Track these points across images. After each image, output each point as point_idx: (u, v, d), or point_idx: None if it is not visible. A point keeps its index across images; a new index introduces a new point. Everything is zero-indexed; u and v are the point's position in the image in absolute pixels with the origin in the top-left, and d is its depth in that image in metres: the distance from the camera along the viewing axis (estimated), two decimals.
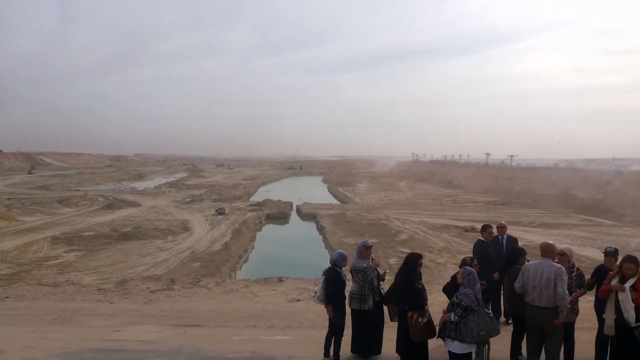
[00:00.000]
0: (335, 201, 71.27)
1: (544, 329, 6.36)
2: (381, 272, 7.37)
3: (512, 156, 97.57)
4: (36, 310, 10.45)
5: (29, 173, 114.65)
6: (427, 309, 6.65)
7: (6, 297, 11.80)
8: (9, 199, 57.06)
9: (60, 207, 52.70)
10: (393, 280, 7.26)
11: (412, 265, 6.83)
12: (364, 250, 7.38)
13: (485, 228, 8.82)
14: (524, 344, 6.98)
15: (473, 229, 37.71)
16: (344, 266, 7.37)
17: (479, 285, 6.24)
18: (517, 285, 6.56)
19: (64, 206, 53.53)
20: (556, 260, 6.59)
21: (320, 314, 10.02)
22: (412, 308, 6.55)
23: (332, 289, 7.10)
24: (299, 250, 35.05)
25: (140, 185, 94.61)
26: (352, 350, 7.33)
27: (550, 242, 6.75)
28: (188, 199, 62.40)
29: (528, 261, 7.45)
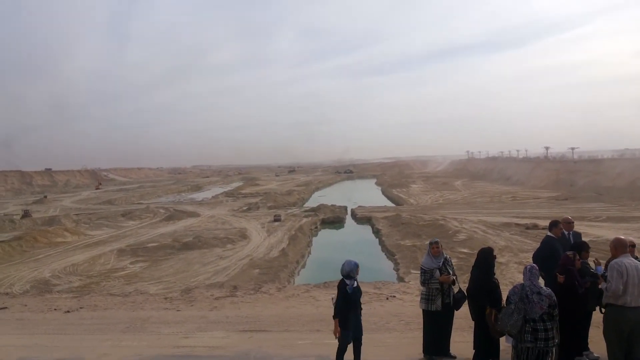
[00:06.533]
0: (389, 203, 70.75)
1: (638, 329, 5.87)
2: (447, 281, 7.09)
3: (573, 149, 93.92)
4: (109, 319, 10.92)
5: (96, 188, 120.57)
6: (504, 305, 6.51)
7: (81, 308, 12.40)
8: (77, 214, 60.15)
9: (125, 221, 54.98)
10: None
11: (489, 260, 6.69)
12: (431, 248, 7.27)
13: (556, 224, 8.38)
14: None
15: (535, 227, 36.47)
16: (357, 275, 6.86)
17: (528, 282, 6.02)
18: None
19: (128, 219, 55.80)
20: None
21: (383, 317, 9.97)
22: (490, 305, 6.42)
23: (338, 302, 6.74)
24: (356, 254, 34.72)
25: (199, 195, 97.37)
26: (423, 351, 7.26)
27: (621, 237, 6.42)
28: (245, 208, 63.65)
29: (593, 259, 7.15)
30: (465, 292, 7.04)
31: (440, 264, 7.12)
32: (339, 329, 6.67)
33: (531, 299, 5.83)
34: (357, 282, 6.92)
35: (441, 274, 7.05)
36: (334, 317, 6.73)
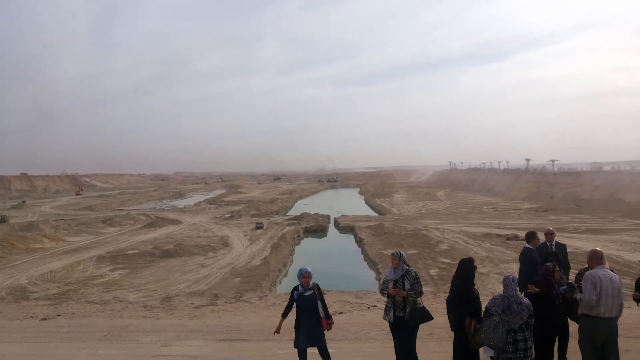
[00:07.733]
0: (372, 213, 70.96)
1: (612, 339, 5.99)
2: (395, 294, 7.01)
3: (553, 161, 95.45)
4: (87, 327, 10.74)
5: (77, 194, 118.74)
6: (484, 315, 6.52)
7: (58, 315, 12.19)
8: (56, 220, 59.12)
9: (105, 227, 54.23)
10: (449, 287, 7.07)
11: (470, 270, 6.71)
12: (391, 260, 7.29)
13: (533, 235, 8.49)
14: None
15: (516, 237, 36.88)
16: (305, 284, 6.93)
17: (513, 292, 6.08)
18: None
19: (108, 226, 55.05)
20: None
21: (364, 327, 9.97)
22: (470, 315, 6.42)
23: (289, 305, 7.09)
24: (338, 263, 34.94)
25: (181, 203, 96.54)
26: None
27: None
28: (227, 215, 63.28)
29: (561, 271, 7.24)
30: (427, 311, 6.96)
31: (398, 276, 7.01)
32: (278, 327, 7.07)
33: (513, 310, 5.88)
34: (312, 292, 6.93)
35: (396, 286, 6.94)
36: (282, 315, 7.09)
